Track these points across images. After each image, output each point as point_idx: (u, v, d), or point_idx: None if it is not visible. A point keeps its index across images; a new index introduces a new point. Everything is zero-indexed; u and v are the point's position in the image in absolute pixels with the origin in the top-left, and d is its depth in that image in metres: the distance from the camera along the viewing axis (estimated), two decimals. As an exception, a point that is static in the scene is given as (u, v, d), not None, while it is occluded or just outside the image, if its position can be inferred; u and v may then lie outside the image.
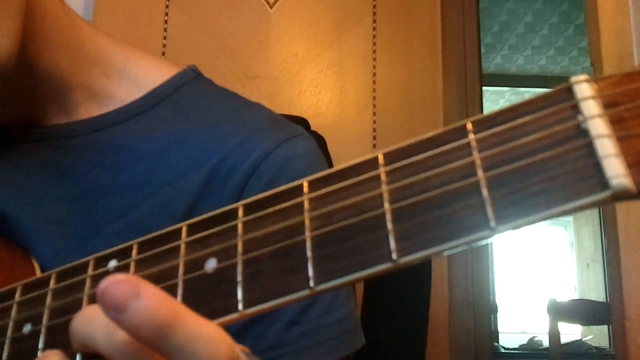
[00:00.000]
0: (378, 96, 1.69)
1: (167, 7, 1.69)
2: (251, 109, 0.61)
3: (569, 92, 0.24)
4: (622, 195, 0.22)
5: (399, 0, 1.74)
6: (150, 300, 0.26)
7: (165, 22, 1.69)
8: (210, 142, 0.56)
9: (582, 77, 0.24)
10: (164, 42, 1.68)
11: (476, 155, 0.25)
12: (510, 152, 0.24)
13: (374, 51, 1.71)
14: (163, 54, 1.67)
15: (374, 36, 1.72)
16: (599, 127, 0.23)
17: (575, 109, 0.24)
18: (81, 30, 0.59)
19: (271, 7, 1.72)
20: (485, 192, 0.24)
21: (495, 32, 4.25)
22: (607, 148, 0.22)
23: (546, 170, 0.23)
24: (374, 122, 1.67)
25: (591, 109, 0.23)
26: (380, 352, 0.85)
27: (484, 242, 0.24)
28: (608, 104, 0.23)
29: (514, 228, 0.24)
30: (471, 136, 0.25)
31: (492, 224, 0.24)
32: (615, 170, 0.22)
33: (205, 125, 0.57)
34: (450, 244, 0.24)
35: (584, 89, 0.24)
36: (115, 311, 0.26)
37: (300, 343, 0.52)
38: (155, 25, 1.68)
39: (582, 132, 0.23)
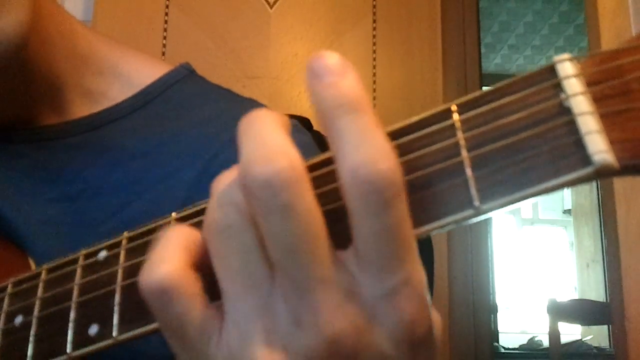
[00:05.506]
0: (378, 96, 1.69)
1: (167, 7, 1.70)
2: (244, 104, 0.60)
3: (552, 71, 0.24)
4: (605, 171, 0.22)
5: (399, 1, 1.74)
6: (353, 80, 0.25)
7: (165, 22, 1.69)
8: (202, 138, 0.55)
9: (565, 55, 0.24)
10: (164, 42, 1.68)
11: (460, 136, 0.25)
12: (493, 131, 0.24)
13: (374, 51, 1.71)
14: (163, 54, 1.68)
15: (374, 36, 1.72)
16: (581, 104, 0.23)
17: (558, 87, 0.24)
18: (75, 29, 0.58)
19: (271, 7, 1.72)
20: (469, 172, 0.24)
21: (495, 32, 4.25)
22: (589, 125, 0.22)
23: (529, 149, 0.23)
24: (374, 121, 1.67)
25: (573, 86, 0.23)
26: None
27: (469, 221, 0.24)
28: (591, 82, 0.23)
29: (498, 207, 0.23)
30: (455, 117, 0.25)
31: (476, 203, 0.24)
32: (598, 146, 0.22)
33: (197, 122, 0.57)
34: (434, 225, 0.24)
35: (566, 67, 0.24)
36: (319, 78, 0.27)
37: None
38: (155, 25, 1.68)
39: (565, 110, 0.23)
